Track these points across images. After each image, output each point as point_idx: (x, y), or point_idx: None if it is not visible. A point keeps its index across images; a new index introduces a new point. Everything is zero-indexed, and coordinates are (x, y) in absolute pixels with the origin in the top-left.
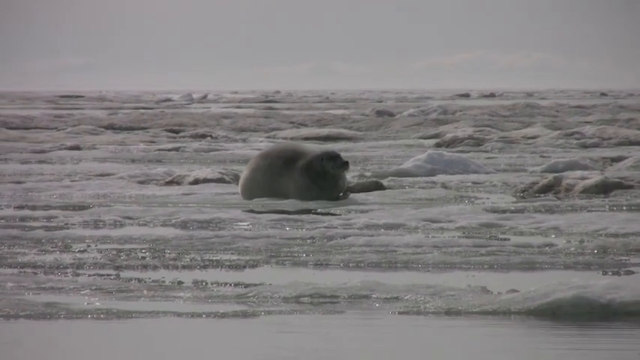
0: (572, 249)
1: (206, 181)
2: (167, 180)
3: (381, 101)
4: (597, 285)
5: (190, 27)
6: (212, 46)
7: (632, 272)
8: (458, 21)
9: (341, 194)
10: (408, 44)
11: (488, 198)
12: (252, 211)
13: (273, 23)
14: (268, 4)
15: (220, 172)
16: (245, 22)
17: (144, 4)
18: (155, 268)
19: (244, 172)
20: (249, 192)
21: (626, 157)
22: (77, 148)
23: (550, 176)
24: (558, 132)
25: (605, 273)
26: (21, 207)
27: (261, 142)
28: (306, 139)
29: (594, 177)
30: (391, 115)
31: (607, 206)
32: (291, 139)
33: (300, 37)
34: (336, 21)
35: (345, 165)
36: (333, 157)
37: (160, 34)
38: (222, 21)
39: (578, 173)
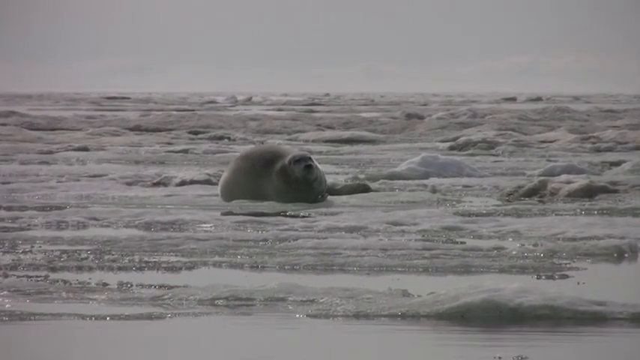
0: (515, 252)
1: (193, 182)
2: (154, 181)
3: (426, 104)
4: (507, 289)
5: (246, 29)
6: (266, 49)
7: (567, 276)
8: (509, 25)
9: (320, 197)
10: (461, 48)
11: (471, 201)
12: (230, 212)
13: (329, 25)
14: (324, 7)
15: (207, 174)
16: (300, 24)
17: (196, 4)
18: (90, 269)
19: (225, 173)
20: (230, 193)
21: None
22: (85, 149)
23: (536, 180)
24: (575, 136)
25: (539, 277)
26: None
27: (278, 144)
28: (327, 141)
29: (579, 181)
30: (420, 117)
31: (578, 210)
32: (313, 141)
33: (353, 40)
34: (390, 24)
35: (306, 169)
36: (299, 161)
37: (215, 36)
38: (279, 24)
39: (564, 177)
